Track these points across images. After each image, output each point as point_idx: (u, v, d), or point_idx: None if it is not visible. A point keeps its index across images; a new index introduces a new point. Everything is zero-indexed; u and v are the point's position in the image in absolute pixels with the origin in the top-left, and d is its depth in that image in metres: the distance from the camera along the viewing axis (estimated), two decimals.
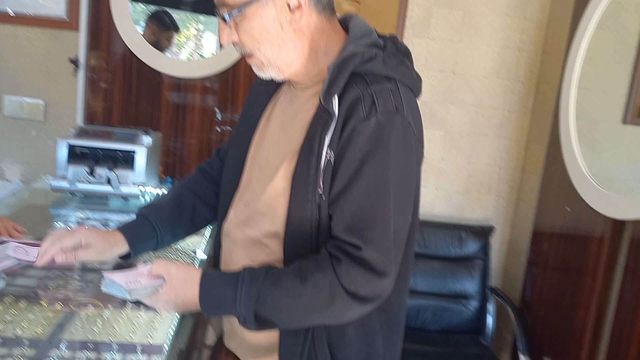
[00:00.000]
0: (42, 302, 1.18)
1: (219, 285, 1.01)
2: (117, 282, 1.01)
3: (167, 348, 1.08)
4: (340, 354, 1.07)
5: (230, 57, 2.53)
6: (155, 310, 1.05)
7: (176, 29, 2.66)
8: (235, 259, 1.13)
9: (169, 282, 1.02)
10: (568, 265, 2.15)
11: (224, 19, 1.02)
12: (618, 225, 1.87)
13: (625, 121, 2.11)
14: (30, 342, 1.03)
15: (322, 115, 1.00)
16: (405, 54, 1.09)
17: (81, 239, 1.15)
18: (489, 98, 2.69)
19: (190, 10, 2.75)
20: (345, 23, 1.11)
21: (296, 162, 1.03)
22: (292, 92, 1.13)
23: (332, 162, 0.99)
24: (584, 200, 2.02)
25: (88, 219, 1.71)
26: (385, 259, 0.98)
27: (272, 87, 1.20)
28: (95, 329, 1.10)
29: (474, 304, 2.58)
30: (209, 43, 2.72)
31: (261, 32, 1.01)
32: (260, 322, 1.00)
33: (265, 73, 1.08)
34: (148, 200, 1.83)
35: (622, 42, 2.14)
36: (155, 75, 2.55)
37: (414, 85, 1.07)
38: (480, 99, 2.68)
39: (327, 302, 0.97)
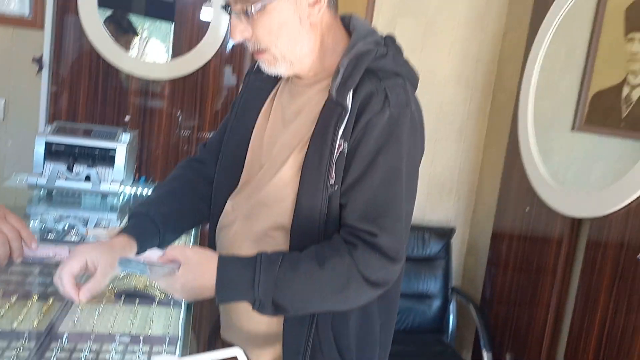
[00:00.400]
0: (34, 297, 1.16)
1: (236, 269, 1.00)
2: (134, 259, 0.98)
3: (167, 339, 1.09)
4: (342, 342, 1.11)
5: (200, 59, 2.54)
6: (167, 294, 1.00)
7: (135, 32, 2.65)
8: (237, 252, 1.14)
9: (186, 264, 0.99)
10: (528, 264, 2.27)
11: (239, 15, 1.03)
12: (576, 224, 1.99)
13: (574, 128, 2.26)
14: (29, 335, 1.02)
15: (334, 109, 1.03)
16: (401, 53, 1.15)
17: (85, 258, 1.02)
18: (450, 104, 2.80)
19: (142, 14, 2.74)
20: (344, 22, 1.15)
21: (306, 153, 1.05)
22: (294, 88, 1.16)
23: (345, 152, 1.03)
24: (543, 201, 2.14)
25: (64, 217, 1.68)
26: (399, 245, 1.03)
27: (270, 84, 1.21)
28: (92, 322, 1.10)
29: (436, 304, 2.67)
30: (154, 49, 2.71)
31: (280, 26, 1.03)
32: (276, 307, 1.00)
33: (277, 69, 1.10)
34: (123, 199, 1.82)
35: (572, 54, 2.29)
36: (121, 77, 2.53)
37: (416, 82, 1.13)
38: (442, 105, 2.80)
39: (344, 286, 1.01)
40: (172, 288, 1.00)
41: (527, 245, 2.28)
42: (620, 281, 1.72)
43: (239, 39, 1.06)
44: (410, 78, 1.10)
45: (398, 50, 1.13)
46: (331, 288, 1.01)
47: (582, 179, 2.17)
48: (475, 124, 2.83)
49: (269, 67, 1.10)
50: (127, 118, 2.53)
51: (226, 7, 1.06)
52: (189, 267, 0.99)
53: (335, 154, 1.03)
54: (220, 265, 1.00)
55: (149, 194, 1.27)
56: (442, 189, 2.86)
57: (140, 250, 1.14)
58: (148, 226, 1.15)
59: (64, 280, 0.98)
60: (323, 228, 1.05)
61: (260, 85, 1.22)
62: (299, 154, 1.07)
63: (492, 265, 2.56)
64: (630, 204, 1.70)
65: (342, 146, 1.03)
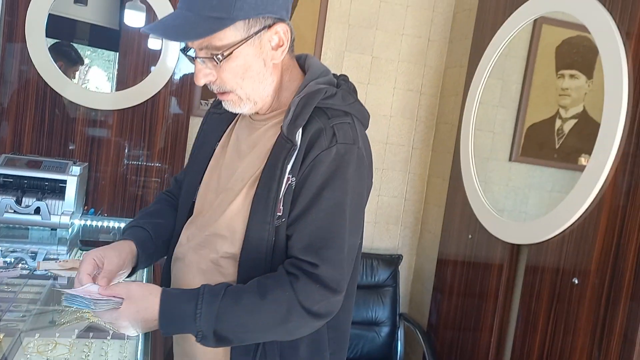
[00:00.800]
0: None
1: (179, 302, 1.03)
2: (80, 294, 1.00)
3: None
4: None
5: (149, 90, 2.54)
6: (113, 330, 1.04)
7: (82, 62, 2.63)
8: (190, 282, 1.16)
9: (129, 298, 1.01)
10: (471, 289, 2.35)
11: (204, 60, 1.05)
12: (515, 250, 2.09)
13: (511, 159, 2.38)
14: None
15: (284, 145, 1.08)
16: (354, 92, 1.21)
17: (93, 258, 1.09)
18: (396, 135, 2.90)
19: (86, 44, 2.74)
20: (300, 61, 1.21)
21: (257, 187, 1.09)
22: (250, 122, 1.20)
23: (292, 186, 1.07)
24: (484, 228, 2.24)
25: (11, 250, 1.64)
26: (340, 276, 1.07)
27: (227, 117, 1.25)
28: (45, 357, 1.08)
29: (384, 331, 2.72)
30: (95, 77, 2.70)
31: (245, 69, 1.07)
32: (218, 339, 1.03)
33: (241, 108, 1.13)
34: (73, 231, 1.79)
35: (508, 89, 2.43)
36: (68, 107, 2.49)
37: (365, 121, 1.19)
38: (388, 136, 2.89)
39: (285, 317, 1.03)
40: (116, 322, 1.02)
41: (471, 271, 2.37)
42: (557, 304, 1.81)
43: (204, 82, 1.08)
44: (359, 116, 1.15)
45: (349, 90, 1.18)
46: (273, 319, 1.04)
47: (520, 207, 2.29)
48: (419, 155, 2.94)
49: (234, 107, 1.14)
50: (71, 147, 2.49)
51: (186, 50, 1.09)
52: (132, 301, 1.01)
53: (284, 188, 1.07)
54: (163, 299, 1.03)
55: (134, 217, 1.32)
56: (389, 218, 2.94)
57: (143, 254, 1.18)
58: (142, 233, 1.21)
59: (83, 281, 1.04)
60: (270, 259, 1.09)
61: (218, 119, 1.26)
62: (251, 187, 1.11)
63: (437, 291, 2.64)
64: (564, 231, 1.81)
65: (290, 180, 1.07)
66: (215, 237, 1.13)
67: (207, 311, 1.01)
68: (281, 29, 1.08)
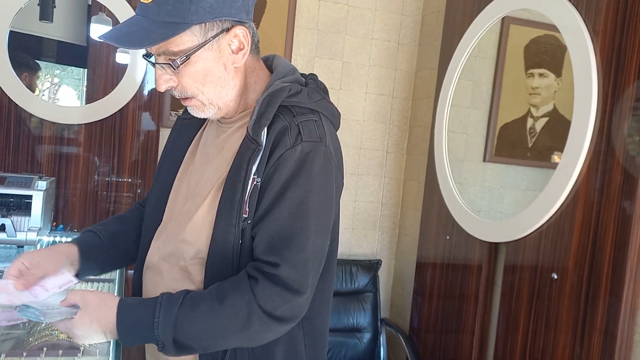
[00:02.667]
0: None
1: (137, 311, 1.01)
2: (33, 306, 0.98)
3: None
4: None
5: (116, 103, 2.49)
6: (73, 341, 1.02)
7: (38, 67, 2.57)
8: (161, 291, 1.13)
9: (84, 308, 1.00)
10: (451, 291, 2.35)
11: (164, 66, 1.04)
12: (494, 249, 2.09)
13: (485, 159, 2.40)
14: None
15: (249, 146, 1.06)
16: (325, 91, 1.19)
17: (22, 261, 1.08)
18: (370, 140, 2.90)
19: (53, 61, 2.69)
20: (268, 62, 1.19)
21: (223, 190, 1.07)
22: (218, 126, 1.18)
23: (258, 187, 1.05)
24: (462, 228, 2.24)
25: None
26: (301, 277, 1.03)
27: (196, 122, 1.23)
28: None
29: (367, 337, 2.70)
30: (65, 95, 2.66)
31: (205, 74, 1.05)
32: (179, 347, 1.00)
33: (205, 113, 1.12)
34: (41, 248, 1.73)
35: (478, 91, 2.44)
36: (35, 123, 2.43)
37: (335, 118, 1.17)
38: (362, 141, 2.88)
39: (245, 322, 1.00)
40: (70, 332, 1.00)
41: (450, 272, 2.36)
42: (537, 301, 1.81)
43: (165, 88, 1.07)
44: (327, 114, 1.14)
45: (317, 88, 1.16)
46: (232, 325, 1.01)
47: (496, 207, 2.29)
48: (394, 159, 2.93)
49: (198, 112, 1.12)
50: (38, 163, 2.43)
51: (147, 55, 1.07)
52: (87, 310, 1.00)
53: (249, 189, 1.05)
54: (120, 308, 1.01)
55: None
56: (366, 223, 2.93)
57: (87, 258, 1.17)
58: (92, 239, 1.20)
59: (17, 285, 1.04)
60: (237, 262, 1.06)
61: (188, 124, 1.24)
62: (218, 191, 1.08)
63: (418, 295, 2.63)
64: (541, 227, 1.81)
65: (255, 181, 1.05)
66: (183, 244, 1.11)
67: (164, 319, 0.99)
68: (240, 32, 1.07)
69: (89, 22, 2.54)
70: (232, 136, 1.14)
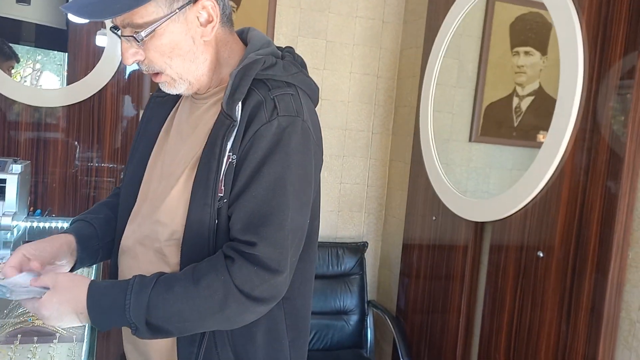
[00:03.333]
0: None
1: (108, 293, 0.98)
2: (1, 283, 0.96)
3: None
4: None
5: (94, 85, 2.43)
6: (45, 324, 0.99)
7: (17, 59, 2.51)
8: (139, 273, 1.10)
9: (54, 288, 0.97)
10: (438, 272, 2.34)
11: (129, 39, 1.00)
12: (479, 228, 2.08)
13: (470, 139, 2.38)
14: None
15: (224, 121, 1.02)
16: (302, 65, 1.15)
17: (23, 252, 1.05)
18: (355, 121, 2.86)
19: (32, 45, 2.61)
20: (242, 35, 1.15)
21: (197, 168, 1.03)
22: (192, 103, 1.14)
23: (234, 164, 1.01)
24: (448, 209, 2.22)
25: None
26: (280, 256, 1.00)
27: (170, 100, 1.19)
28: None
29: (354, 319, 2.69)
30: (47, 81, 2.60)
31: (172, 48, 1.02)
32: (153, 330, 0.97)
33: (177, 89, 1.08)
34: (17, 233, 1.69)
35: (464, 70, 2.42)
36: (12, 105, 2.37)
37: (313, 93, 1.13)
38: (347, 122, 2.85)
39: (221, 303, 0.97)
40: (38, 312, 0.97)
41: (436, 253, 2.35)
42: (523, 279, 1.81)
43: (132, 62, 1.03)
44: (305, 88, 1.10)
45: (294, 61, 1.13)
46: (208, 306, 0.98)
47: (481, 186, 2.28)
48: (380, 139, 2.91)
49: (169, 88, 1.08)
50: (14, 147, 2.37)
51: (115, 28, 1.03)
52: (56, 291, 0.97)
53: (224, 167, 1.01)
54: (91, 290, 0.98)
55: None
56: (352, 205, 2.90)
57: (84, 247, 1.15)
58: (86, 228, 1.18)
59: (7, 274, 1.00)
60: (213, 242, 1.03)
61: (162, 102, 1.20)
62: (192, 169, 1.05)
63: (404, 276, 2.62)
64: (526, 205, 1.80)
65: (230, 158, 1.01)
66: (157, 225, 1.07)
67: (136, 302, 0.96)
68: (209, 3, 1.03)
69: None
70: (206, 113, 1.10)
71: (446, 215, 2.26)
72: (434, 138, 2.41)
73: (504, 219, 1.90)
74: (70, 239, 1.14)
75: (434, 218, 2.37)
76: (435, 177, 2.35)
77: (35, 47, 2.59)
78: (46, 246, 1.09)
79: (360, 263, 2.74)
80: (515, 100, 2.13)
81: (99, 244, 1.19)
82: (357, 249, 2.76)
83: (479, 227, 2.08)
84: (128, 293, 0.96)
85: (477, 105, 2.35)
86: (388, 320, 2.62)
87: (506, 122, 2.19)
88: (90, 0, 0.96)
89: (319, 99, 2.80)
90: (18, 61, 2.50)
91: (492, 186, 2.25)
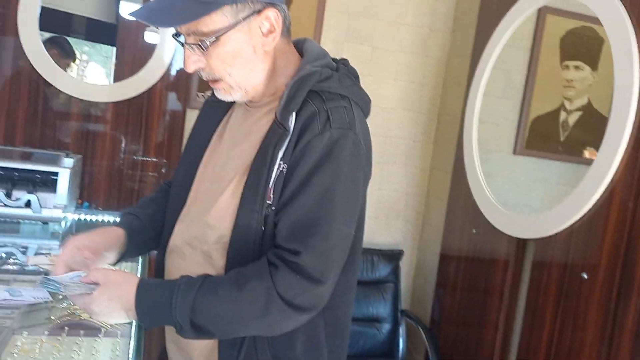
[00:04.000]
0: None
1: (156, 292, 1.00)
2: (53, 279, 0.99)
3: None
4: None
5: (145, 82, 2.48)
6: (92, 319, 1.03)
7: (74, 58, 2.58)
8: (184, 273, 1.11)
9: (104, 285, 0.99)
10: (475, 285, 2.31)
11: (193, 47, 1.02)
12: (521, 245, 2.04)
13: (515, 152, 2.34)
14: None
15: (277, 130, 1.03)
16: (356, 76, 1.16)
17: (75, 244, 1.09)
18: (396, 128, 2.85)
19: (82, 38, 2.68)
20: (299, 45, 1.16)
21: (248, 175, 1.05)
22: (246, 110, 1.15)
23: (284, 173, 1.02)
24: (489, 222, 2.19)
25: (2, 245, 1.59)
26: (323, 266, 1.00)
27: (224, 105, 1.21)
28: (33, 355, 1.03)
29: (386, 327, 2.67)
30: (93, 73, 2.66)
31: (234, 56, 1.03)
32: (197, 330, 0.99)
33: (232, 96, 1.09)
34: (66, 225, 1.74)
35: (511, 81, 2.38)
36: (63, 99, 2.44)
37: (365, 105, 1.13)
38: (388, 129, 2.84)
39: (263, 309, 0.98)
40: (88, 308, 1.00)
41: (475, 266, 2.32)
42: (565, 299, 1.76)
43: (193, 69, 1.04)
44: (358, 101, 1.10)
45: (348, 74, 1.13)
46: (250, 311, 0.99)
47: (523, 200, 2.24)
48: (421, 148, 2.88)
49: (225, 95, 1.09)
50: (65, 139, 2.44)
51: (177, 35, 1.05)
52: (107, 288, 0.99)
53: (274, 175, 1.02)
54: (140, 288, 1.00)
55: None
56: (389, 212, 2.89)
57: (132, 241, 1.18)
58: (136, 222, 1.21)
59: (58, 270, 1.03)
60: (259, 248, 1.04)
61: (216, 107, 1.22)
62: (243, 175, 1.06)
63: (440, 287, 2.59)
64: (572, 225, 1.76)
65: (281, 167, 1.02)
66: (206, 228, 1.09)
67: (182, 302, 0.97)
68: (272, 14, 1.04)
69: (119, 0, 2.53)
70: (260, 120, 1.11)
71: (487, 228, 2.22)
72: (477, 149, 2.38)
73: (548, 237, 1.86)
74: (120, 232, 1.17)
75: (474, 231, 2.33)
76: (476, 189, 2.32)
77: (85, 39, 2.66)
78: (97, 237, 1.12)
79: (395, 271, 2.73)
80: (563, 115, 2.09)
81: (145, 238, 1.21)
82: (393, 256, 2.75)
83: (521, 244, 2.05)
84: (175, 292, 0.98)
85: (523, 117, 2.31)
86: (421, 330, 2.59)
87: (552, 136, 2.15)
88: (159, 7, 0.99)
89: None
90: (74, 60, 2.57)
91: (535, 200, 2.20)
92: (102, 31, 2.65)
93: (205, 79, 1.08)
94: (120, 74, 2.51)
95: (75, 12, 2.58)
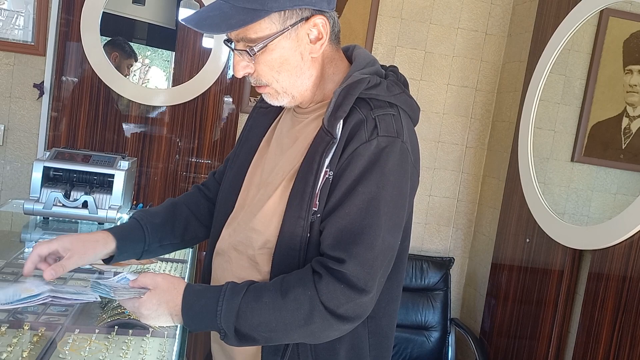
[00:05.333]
0: (25, 326, 1.13)
1: (202, 297, 1.01)
2: (103, 283, 1.02)
3: None
4: None
5: (200, 86, 2.54)
6: (138, 320, 1.04)
7: (136, 57, 2.67)
8: (229, 279, 1.12)
9: (153, 289, 1.01)
10: (528, 296, 2.24)
11: (242, 53, 1.03)
12: (577, 255, 1.97)
13: (573, 159, 2.26)
14: None
15: (324, 137, 1.03)
16: (405, 84, 1.14)
17: (56, 247, 1.09)
18: (448, 134, 2.80)
19: (144, 43, 2.77)
20: (348, 52, 1.15)
21: (294, 181, 1.05)
22: (294, 116, 1.16)
23: (330, 180, 1.02)
24: (544, 232, 2.12)
25: None
26: (367, 275, 0.99)
27: (273, 111, 1.22)
28: (83, 352, 1.07)
29: (435, 336, 2.63)
30: (154, 77, 2.74)
31: (282, 63, 1.04)
32: (241, 337, 0.99)
33: (279, 101, 1.10)
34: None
35: (571, 85, 2.30)
36: (122, 103, 2.53)
37: (414, 113, 1.12)
38: (440, 135, 2.80)
39: (306, 318, 0.98)
40: (137, 312, 1.02)
41: (528, 276, 2.25)
42: (623, 314, 1.69)
43: (242, 74, 1.06)
44: (406, 109, 1.09)
45: (397, 81, 1.12)
46: (294, 319, 0.98)
47: (582, 210, 2.16)
48: (474, 154, 2.83)
49: (272, 99, 1.11)
50: (123, 142, 2.52)
51: (228, 41, 1.07)
52: (156, 292, 1.01)
53: (320, 182, 1.02)
54: (186, 293, 1.01)
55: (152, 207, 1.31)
56: (440, 219, 2.84)
57: (120, 249, 1.16)
58: (136, 231, 1.20)
59: (29, 258, 1.06)
60: (304, 255, 1.04)
61: (265, 113, 1.23)
62: (290, 181, 1.06)
63: (491, 297, 2.53)
64: (633, 236, 1.68)
65: (328, 174, 1.02)
66: (252, 233, 1.10)
67: (227, 308, 0.98)
68: (320, 21, 1.04)
69: (178, 6, 2.61)
70: (307, 127, 1.11)
71: (541, 238, 2.16)
72: (533, 155, 2.31)
73: (606, 248, 1.78)
74: (102, 237, 1.14)
75: (527, 240, 2.27)
76: (531, 197, 2.26)
77: (146, 44, 2.76)
78: (78, 245, 1.10)
79: (445, 279, 2.68)
80: (625, 121, 2.01)
81: (142, 247, 1.21)
82: (443, 264, 2.70)
83: (577, 254, 1.97)
84: (220, 299, 0.99)
85: (582, 123, 2.23)
86: (471, 340, 2.54)
87: (613, 143, 2.07)
88: (209, 14, 1.01)
89: None
90: (136, 60, 2.67)
91: (594, 210, 2.12)
92: (162, 36, 2.73)
93: (253, 84, 1.09)
94: (178, 77, 2.59)
95: (138, 18, 2.68)
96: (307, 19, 1.03)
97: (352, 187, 1.00)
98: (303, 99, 1.11)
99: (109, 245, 1.15)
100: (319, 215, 1.02)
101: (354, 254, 0.98)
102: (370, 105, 1.04)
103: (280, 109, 1.21)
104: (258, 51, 1.01)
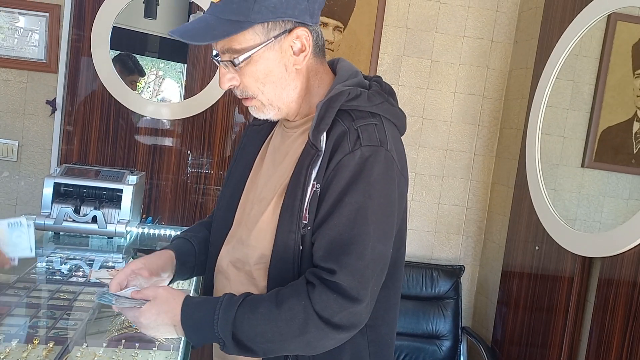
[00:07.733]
0: (35, 341, 1.15)
1: (200, 308, 1.03)
2: (109, 293, 1.06)
3: None
4: None
5: (209, 99, 2.57)
6: (140, 331, 1.06)
7: (141, 73, 2.70)
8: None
9: (154, 300, 1.03)
10: (539, 303, 2.22)
11: (227, 64, 1.06)
12: (587, 263, 1.96)
13: (583, 165, 2.24)
14: None
15: (309, 151, 1.05)
16: (390, 93, 1.16)
17: (131, 269, 1.14)
18: (456, 141, 2.80)
19: (156, 56, 2.81)
20: (333, 66, 1.17)
21: (284, 196, 1.07)
22: (283, 131, 1.18)
23: (318, 193, 1.04)
24: (553, 240, 2.11)
25: (71, 258, 1.69)
26: (359, 285, 1.00)
27: (266, 128, 1.24)
28: None
29: (446, 344, 2.62)
30: (168, 89, 2.78)
31: (266, 74, 1.06)
32: (239, 346, 1.01)
33: (265, 114, 1.12)
34: (130, 239, 1.82)
35: (579, 91, 2.29)
36: (132, 117, 2.57)
37: (399, 121, 1.13)
38: (448, 142, 2.80)
39: (301, 327, 0.99)
40: (136, 321, 1.04)
41: (538, 284, 2.24)
42: (634, 322, 1.68)
43: (227, 87, 1.08)
44: (390, 117, 1.10)
45: (380, 91, 1.13)
46: (289, 329, 1.00)
47: (593, 215, 2.14)
48: (482, 161, 2.82)
49: (258, 112, 1.13)
50: (133, 156, 2.55)
51: (216, 55, 1.09)
52: (155, 303, 1.03)
53: (309, 196, 1.04)
54: (185, 304, 1.03)
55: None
56: (449, 227, 2.84)
57: (180, 262, 1.22)
58: (186, 245, 1.25)
59: (112, 288, 1.08)
60: (298, 267, 1.05)
61: (258, 130, 1.25)
62: (281, 196, 1.08)
63: (502, 305, 2.52)
64: None
65: (315, 187, 1.04)
66: (248, 248, 1.12)
67: (223, 317, 1.00)
68: (302, 33, 1.06)
69: (189, 19, 2.64)
70: (295, 141, 1.14)
71: (550, 245, 2.14)
72: (541, 162, 2.30)
73: (616, 255, 1.77)
74: (171, 254, 1.21)
75: (537, 248, 2.26)
76: (539, 204, 2.25)
77: (158, 57, 2.80)
78: (154, 260, 1.17)
79: (456, 287, 2.67)
80: (636, 125, 2.00)
81: (195, 261, 1.25)
82: (453, 272, 2.69)
83: (587, 262, 1.96)
84: (217, 308, 1.01)
85: (592, 129, 2.22)
86: (482, 349, 2.52)
87: (624, 148, 2.06)
88: (195, 26, 1.04)
89: (421, 119, 2.77)
90: (142, 75, 2.70)
91: (606, 216, 2.11)
92: (174, 49, 2.77)
93: (239, 96, 1.11)
94: (191, 88, 2.63)
95: (150, 31, 2.72)
96: (290, 30, 1.05)
97: (339, 198, 1.02)
98: (289, 111, 1.13)
99: (171, 259, 1.21)
100: (309, 228, 1.04)
101: (344, 264, 1.00)
102: (352, 117, 1.06)
103: (272, 126, 1.23)
104: (242, 61, 1.04)
